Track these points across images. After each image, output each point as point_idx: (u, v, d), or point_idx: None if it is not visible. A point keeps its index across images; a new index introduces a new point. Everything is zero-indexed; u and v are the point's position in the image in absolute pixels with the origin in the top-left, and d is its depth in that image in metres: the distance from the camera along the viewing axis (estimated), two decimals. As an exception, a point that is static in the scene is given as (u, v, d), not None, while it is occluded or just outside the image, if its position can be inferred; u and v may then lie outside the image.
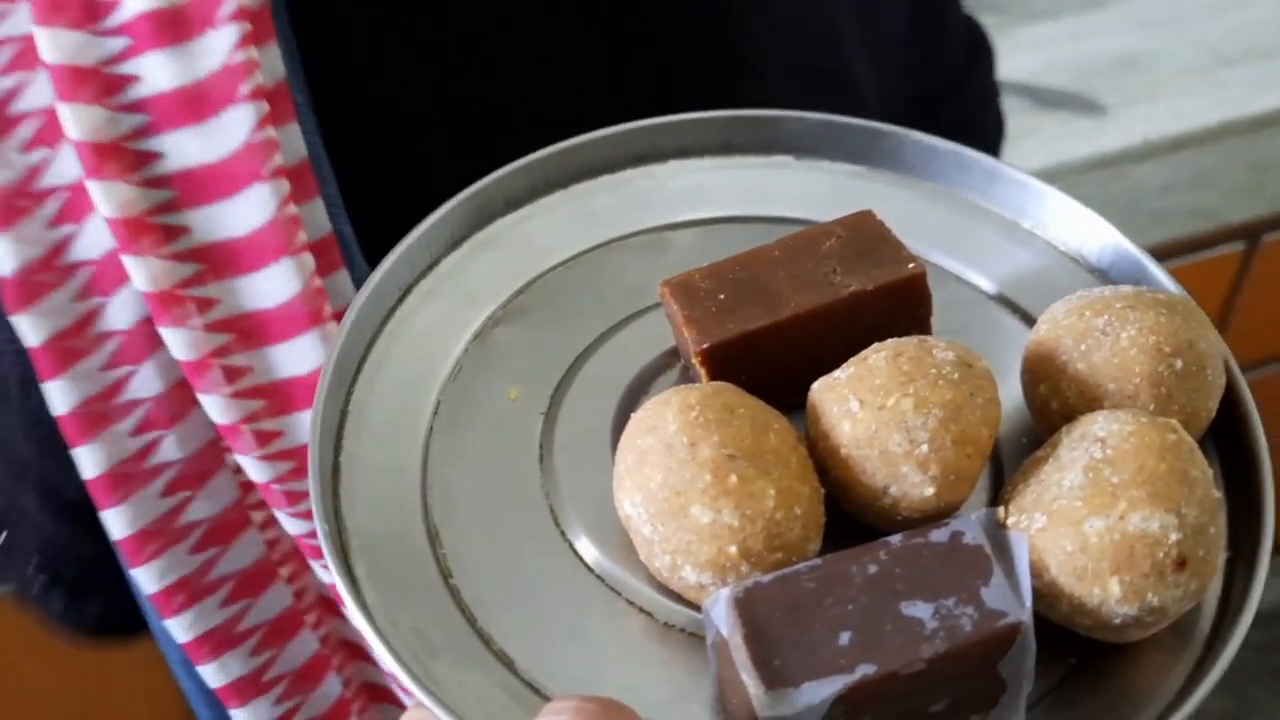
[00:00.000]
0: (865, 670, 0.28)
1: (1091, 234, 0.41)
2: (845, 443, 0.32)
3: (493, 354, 0.38)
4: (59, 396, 0.41)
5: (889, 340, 0.33)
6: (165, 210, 0.39)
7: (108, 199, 0.38)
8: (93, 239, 0.40)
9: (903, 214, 0.39)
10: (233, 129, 0.38)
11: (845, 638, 0.28)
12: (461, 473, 0.35)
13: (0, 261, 0.39)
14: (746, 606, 0.29)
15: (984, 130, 0.68)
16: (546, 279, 0.40)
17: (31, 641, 0.93)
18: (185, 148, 0.39)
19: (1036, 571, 0.30)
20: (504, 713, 0.29)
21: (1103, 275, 0.41)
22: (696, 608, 0.32)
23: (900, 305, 0.36)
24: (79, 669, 0.96)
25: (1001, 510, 0.32)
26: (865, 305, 0.35)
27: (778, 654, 0.28)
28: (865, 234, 0.37)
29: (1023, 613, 0.29)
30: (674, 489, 0.30)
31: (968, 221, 0.42)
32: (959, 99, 0.65)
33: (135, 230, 0.39)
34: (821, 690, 0.27)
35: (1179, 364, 0.33)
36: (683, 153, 0.44)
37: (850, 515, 0.33)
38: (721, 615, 0.29)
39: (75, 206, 0.40)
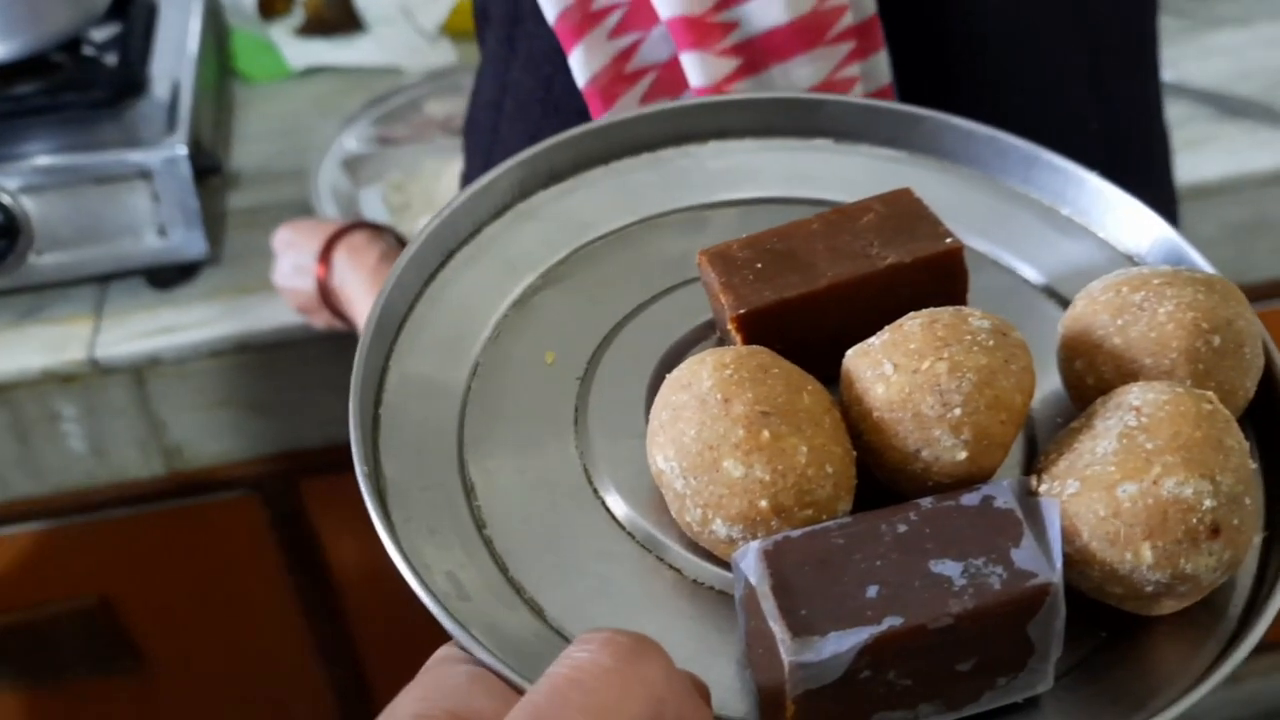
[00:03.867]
0: (892, 622, 0.28)
1: (1131, 220, 0.41)
2: (878, 406, 0.32)
3: (531, 319, 0.38)
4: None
5: (925, 309, 0.33)
6: None
7: None
8: None
9: (940, 198, 0.39)
10: None
11: (873, 591, 0.28)
12: (498, 430, 0.35)
13: None
14: (775, 558, 0.29)
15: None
16: (586, 250, 0.41)
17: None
18: None
19: (1068, 537, 0.30)
20: (533, 655, 0.30)
21: (1141, 261, 0.40)
22: (726, 565, 0.32)
23: (937, 280, 0.36)
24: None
25: (1034, 478, 0.32)
26: (902, 279, 0.36)
27: (805, 604, 0.28)
28: (903, 210, 0.37)
29: (1053, 574, 0.29)
30: (707, 443, 0.31)
31: (1006, 207, 0.42)
32: None
33: None
34: (848, 640, 0.28)
35: (1217, 340, 0.33)
36: (723, 133, 0.44)
37: (882, 483, 0.33)
38: (751, 566, 0.29)
39: None
